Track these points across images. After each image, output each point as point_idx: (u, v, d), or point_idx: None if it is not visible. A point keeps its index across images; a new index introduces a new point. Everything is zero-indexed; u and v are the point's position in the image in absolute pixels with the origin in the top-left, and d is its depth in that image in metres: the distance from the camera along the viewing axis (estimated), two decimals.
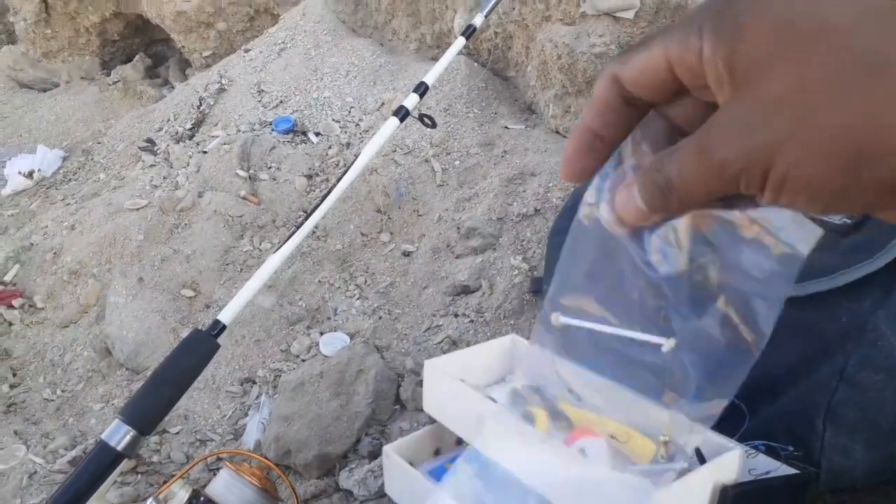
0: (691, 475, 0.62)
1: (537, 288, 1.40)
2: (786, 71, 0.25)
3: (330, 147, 1.99)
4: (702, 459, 0.66)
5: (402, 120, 1.24)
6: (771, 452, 0.70)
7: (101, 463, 0.88)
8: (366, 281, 1.63)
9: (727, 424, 0.72)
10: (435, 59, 2.37)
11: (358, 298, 1.58)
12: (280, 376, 1.37)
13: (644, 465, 0.69)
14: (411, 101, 1.25)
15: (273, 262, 1.06)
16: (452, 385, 0.78)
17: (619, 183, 0.32)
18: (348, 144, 1.99)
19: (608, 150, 0.33)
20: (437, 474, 0.79)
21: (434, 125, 1.28)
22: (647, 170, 0.30)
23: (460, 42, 1.35)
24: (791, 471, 0.69)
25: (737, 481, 0.64)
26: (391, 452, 0.79)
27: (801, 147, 0.25)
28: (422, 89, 1.27)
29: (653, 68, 0.29)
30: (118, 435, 0.89)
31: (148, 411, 0.92)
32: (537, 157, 1.70)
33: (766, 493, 0.66)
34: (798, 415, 0.75)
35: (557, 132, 1.81)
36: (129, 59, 3.13)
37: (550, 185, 1.58)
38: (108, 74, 3.07)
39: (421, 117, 1.28)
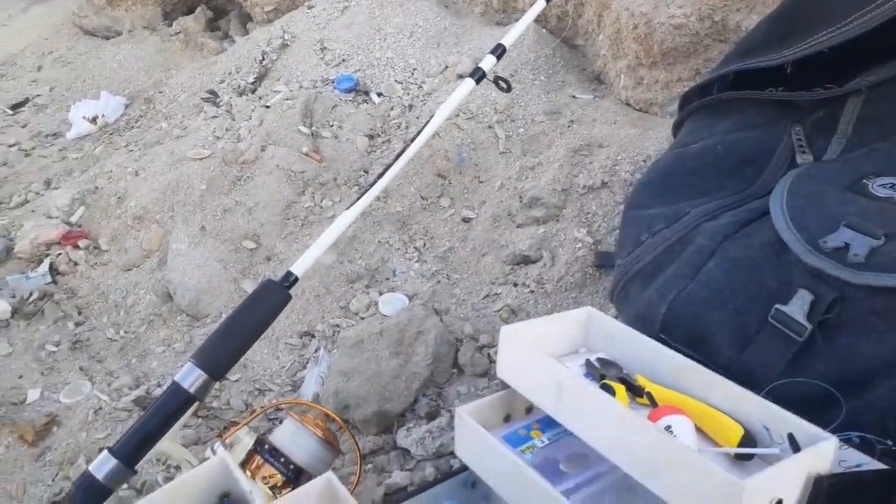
0: (786, 462, 0.60)
1: (603, 262, 1.37)
2: None
3: (392, 108, 1.98)
4: (796, 447, 0.64)
5: (477, 82, 1.22)
6: (865, 445, 0.67)
7: (173, 404, 0.90)
8: (425, 244, 1.63)
9: (818, 413, 0.70)
10: (500, 23, 2.33)
11: (417, 261, 1.57)
12: (339, 332, 1.38)
13: (732, 449, 0.67)
14: (488, 62, 1.23)
15: (346, 218, 1.06)
16: (529, 352, 0.77)
17: None
18: (410, 106, 1.98)
19: None
20: (509, 440, 0.79)
21: (509, 88, 1.25)
22: None
23: (540, 4, 1.31)
24: (881, 466, 0.67)
25: (831, 472, 0.62)
26: (464, 415, 0.78)
27: None
28: (499, 51, 1.24)
29: None
30: (191, 378, 0.90)
31: (220, 357, 0.93)
32: (606, 129, 1.66)
33: (860, 487, 0.63)
34: (891, 410, 0.72)
35: (628, 104, 1.76)
36: (190, 11, 3.14)
37: (619, 157, 1.54)
38: (170, 25, 3.09)
39: (496, 80, 1.25)
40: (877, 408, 0.74)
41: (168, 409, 0.89)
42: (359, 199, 1.07)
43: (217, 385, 1.32)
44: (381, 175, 1.09)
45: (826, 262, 0.83)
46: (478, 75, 1.22)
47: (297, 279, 0.99)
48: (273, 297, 0.96)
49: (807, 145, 1.07)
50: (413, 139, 1.13)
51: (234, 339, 0.94)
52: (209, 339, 0.94)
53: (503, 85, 1.26)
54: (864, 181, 0.94)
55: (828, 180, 0.96)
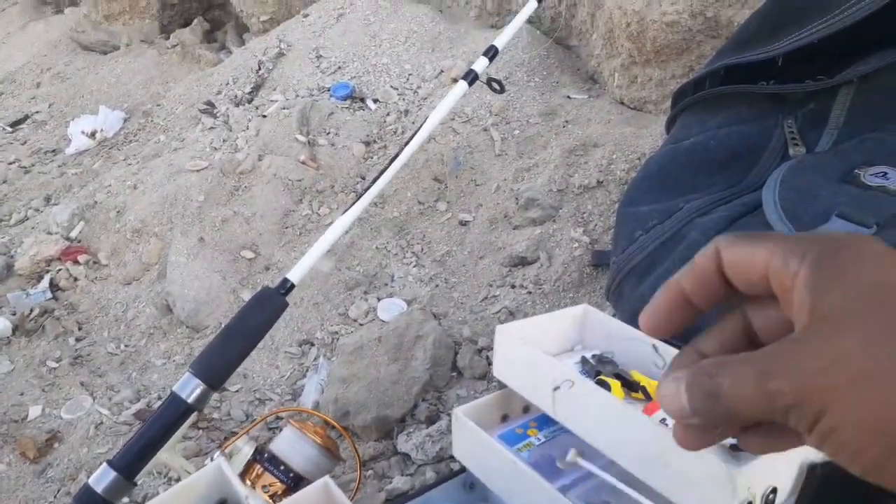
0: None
1: (599, 261, 1.37)
2: (863, 334, 0.26)
3: (388, 114, 1.98)
4: None
5: (470, 84, 1.22)
6: None
7: (172, 414, 0.89)
8: (422, 249, 1.63)
9: None
10: (495, 26, 2.33)
11: (415, 266, 1.58)
12: (338, 339, 1.38)
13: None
14: (480, 64, 1.23)
15: (341, 223, 1.06)
16: (525, 350, 0.77)
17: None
18: (406, 111, 1.98)
19: (693, 316, 0.34)
20: (506, 438, 0.78)
21: (503, 90, 1.25)
22: (700, 371, 0.30)
23: (532, 5, 1.31)
24: None
25: (825, 460, 0.62)
26: (461, 415, 0.78)
27: (856, 406, 0.26)
28: (491, 53, 1.24)
29: (751, 267, 0.31)
30: (189, 388, 0.90)
31: (217, 366, 0.93)
32: (601, 128, 1.66)
33: (853, 477, 0.63)
34: None
35: (622, 103, 1.77)
36: (187, 24, 3.16)
37: (614, 156, 1.54)
38: (167, 38, 3.10)
39: (489, 81, 1.26)
40: None
41: (167, 419, 0.89)
42: (353, 203, 1.07)
43: (217, 396, 1.33)
44: (375, 179, 1.09)
45: None
46: (470, 77, 1.22)
47: (293, 286, 0.99)
48: (270, 304, 0.96)
49: (799, 138, 1.07)
50: (407, 142, 1.13)
51: (231, 348, 0.94)
52: (207, 349, 0.94)
53: (496, 86, 1.27)
54: (857, 171, 0.94)
55: (820, 171, 0.96)
